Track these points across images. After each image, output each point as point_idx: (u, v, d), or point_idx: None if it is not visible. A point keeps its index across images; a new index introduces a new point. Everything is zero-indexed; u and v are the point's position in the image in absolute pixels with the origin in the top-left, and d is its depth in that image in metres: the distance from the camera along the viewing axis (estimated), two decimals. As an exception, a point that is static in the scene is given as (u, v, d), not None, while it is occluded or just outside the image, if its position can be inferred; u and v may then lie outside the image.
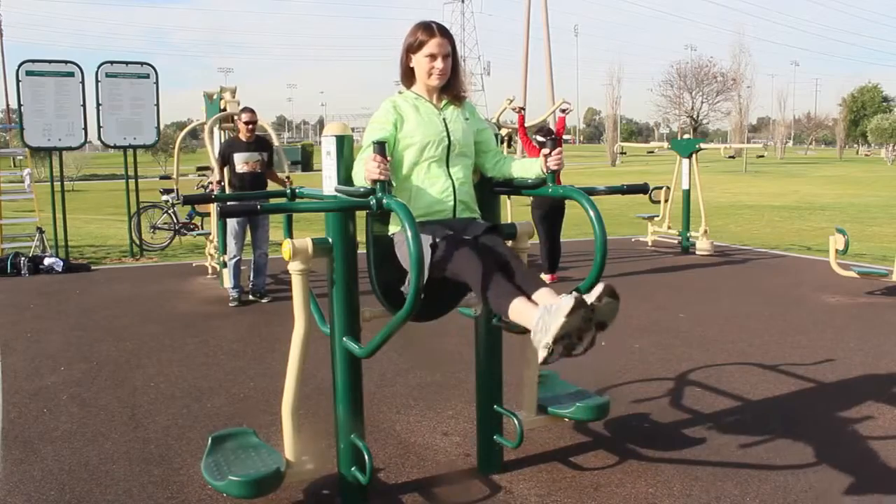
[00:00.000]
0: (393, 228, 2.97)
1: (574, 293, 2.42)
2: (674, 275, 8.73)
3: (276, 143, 8.85)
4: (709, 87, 58.59)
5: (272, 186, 7.08)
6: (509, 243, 3.35)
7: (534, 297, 2.61)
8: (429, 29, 2.89)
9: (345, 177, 2.93)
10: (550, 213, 7.98)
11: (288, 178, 7.18)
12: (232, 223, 6.99)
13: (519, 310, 2.55)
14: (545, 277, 7.95)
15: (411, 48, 2.92)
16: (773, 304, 6.89)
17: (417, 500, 3.14)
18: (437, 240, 2.77)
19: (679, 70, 59.00)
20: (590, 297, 2.43)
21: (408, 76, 3.00)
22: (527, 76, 50.88)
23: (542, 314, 2.44)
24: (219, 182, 7.09)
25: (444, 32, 2.91)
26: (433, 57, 2.89)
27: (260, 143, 7.07)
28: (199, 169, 13.33)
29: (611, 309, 2.48)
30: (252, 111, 7.02)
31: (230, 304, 6.98)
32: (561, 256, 8.19)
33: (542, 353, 2.43)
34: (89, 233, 13.61)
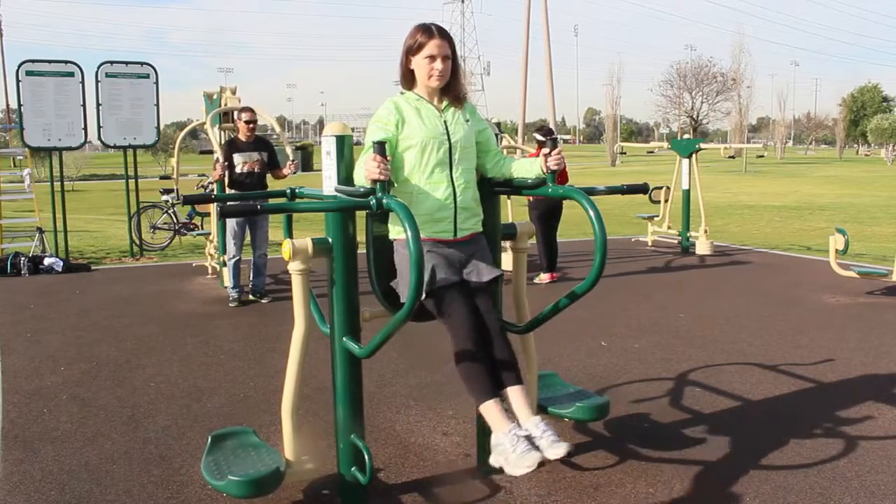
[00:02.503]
0: (393, 233, 2.96)
1: (540, 456, 2.51)
2: (674, 275, 8.73)
3: (282, 138, 8.85)
4: (709, 87, 58.57)
5: (276, 185, 7.05)
6: (509, 243, 3.36)
7: (507, 391, 2.74)
8: (428, 31, 2.89)
9: (345, 177, 2.93)
10: (548, 214, 7.99)
11: (293, 161, 7.10)
12: (231, 223, 6.98)
13: (489, 414, 2.69)
14: (545, 277, 7.96)
15: (411, 50, 2.92)
16: (773, 304, 6.89)
17: (417, 500, 3.14)
18: (437, 279, 2.78)
19: (679, 70, 59.04)
20: (551, 455, 2.54)
21: (408, 78, 2.99)
22: (527, 76, 50.86)
23: (507, 444, 2.58)
24: (220, 176, 7.01)
25: (444, 34, 2.91)
26: (433, 58, 2.88)
27: (260, 143, 7.06)
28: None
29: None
30: (252, 111, 7.02)
31: (230, 305, 6.98)
32: (558, 256, 8.19)
33: (492, 462, 2.66)
34: (89, 233, 13.61)
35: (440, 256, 2.85)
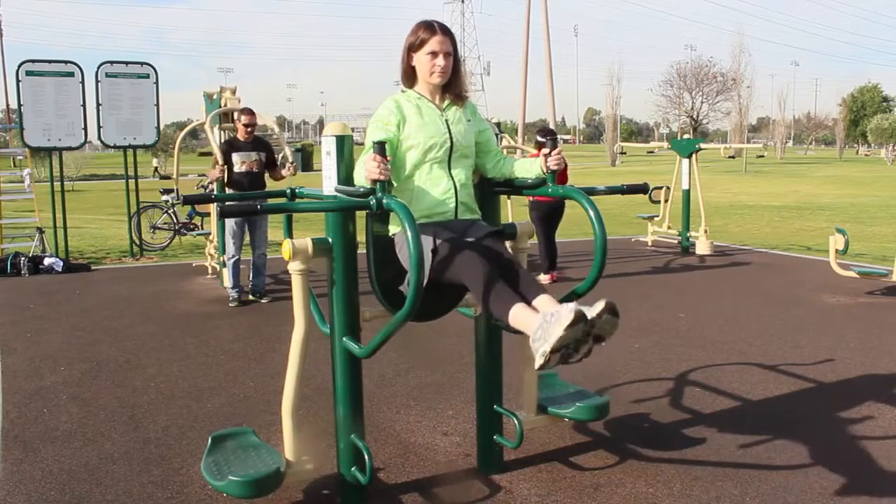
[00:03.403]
0: (393, 229, 2.97)
1: (575, 306, 2.39)
2: (674, 275, 8.73)
3: (283, 143, 8.84)
4: (709, 87, 58.52)
5: (275, 185, 7.06)
6: (509, 243, 3.36)
7: (534, 303, 2.61)
8: (430, 27, 2.89)
9: (345, 177, 2.93)
10: (549, 215, 7.99)
11: (292, 163, 7.15)
12: (230, 223, 6.98)
13: (519, 316, 2.55)
14: (545, 277, 7.96)
15: (412, 47, 2.92)
16: (773, 304, 6.89)
17: (417, 500, 3.14)
18: (438, 242, 2.77)
19: (679, 70, 58.98)
20: (591, 312, 2.41)
21: (409, 76, 2.99)
22: (527, 76, 50.91)
23: (541, 322, 2.44)
24: (218, 177, 7.02)
25: (445, 31, 2.91)
26: (434, 55, 2.89)
27: (258, 143, 7.06)
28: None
29: (610, 325, 2.48)
30: (251, 113, 6.99)
31: (230, 305, 6.98)
32: (558, 256, 8.19)
33: (539, 361, 2.44)
34: (89, 233, 13.61)
35: (440, 227, 2.84)
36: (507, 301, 2.58)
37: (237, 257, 7.05)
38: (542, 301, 2.61)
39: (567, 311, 2.37)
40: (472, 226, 2.94)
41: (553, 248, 8.09)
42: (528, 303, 2.60)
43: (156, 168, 39.08)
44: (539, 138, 7.28)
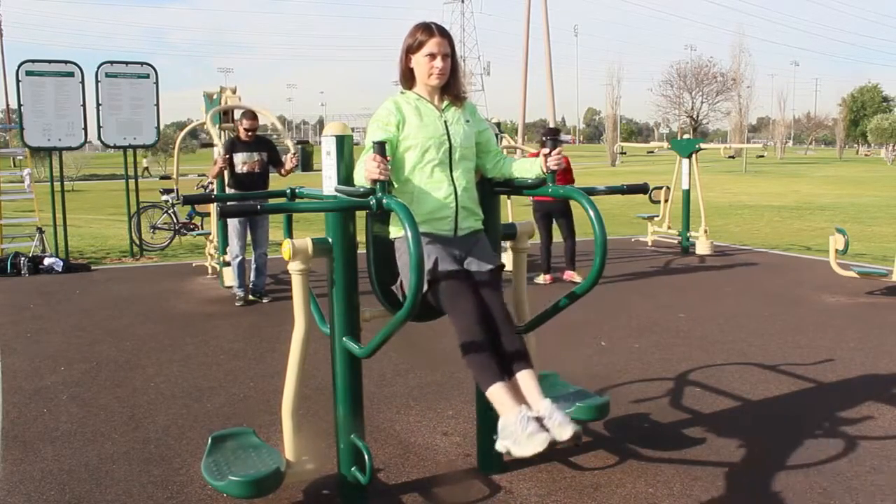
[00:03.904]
0: (394, 232, 2.96)
1: (549, 436, 2.47)
2: (674, 275, 8.73)
3: (283, 138, 8.84)
4: (709, 87, 58.51)
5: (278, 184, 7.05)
6: (509, 243, 3.36)
7: (517, 378, 2.68)
8: (428, 29, 2.89)
9: (345, 177, 2.93)
10: (552, 215, 8.01)
11: (294, 153, 7.13)
12: (233, 223, 6.98)
13: (496, 397, 2.62)
14: (545, 278, 7.95)
15: (411, 49, 2.92)
16: (773, 304, 6.89)
17: (417, 500, 3.14)
18: (438, 270, 2.76)
19: (679, 70, 58.96)
20: (560, 436, 2.50)
21: (407, 78, 2.99)
22: (527, 76, 50.81)
23: (515, 425, 2.52)
24: (220, 170, 7.00)
25: (444, 32, 2.91)
26: (433, 56, 2.88)
27: (260, 143, 7.06)
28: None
29: (571, 443, 2.56)
30: (254, 118, 6.96)
31: (236, 304, 6.98)
32: (575, 255, 8.19)
33: (498, 447, 2.59)
34: (89, 233, 13.61)
35: (441, 247, 2.85)
36: (487, 375, 2.64)
37: (241, 257, 7.04)
38: (524, 382, 2.67)
39: (541, 440, 2.47)
40: (474, 246, 2.93)
41: (571, 247, 8.11)
42: (510, 373, 2.68)
43: (146, 168, 38.99)
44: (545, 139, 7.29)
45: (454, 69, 2.96)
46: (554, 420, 2.54)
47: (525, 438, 2.49)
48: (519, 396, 2.64)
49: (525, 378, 2.68)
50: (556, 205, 7.86)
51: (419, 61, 2.92)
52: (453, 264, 2.83)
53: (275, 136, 9.37)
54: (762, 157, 48.11)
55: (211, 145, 8.07)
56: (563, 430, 2.51)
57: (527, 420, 2.52)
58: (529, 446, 2.48)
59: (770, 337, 5.70)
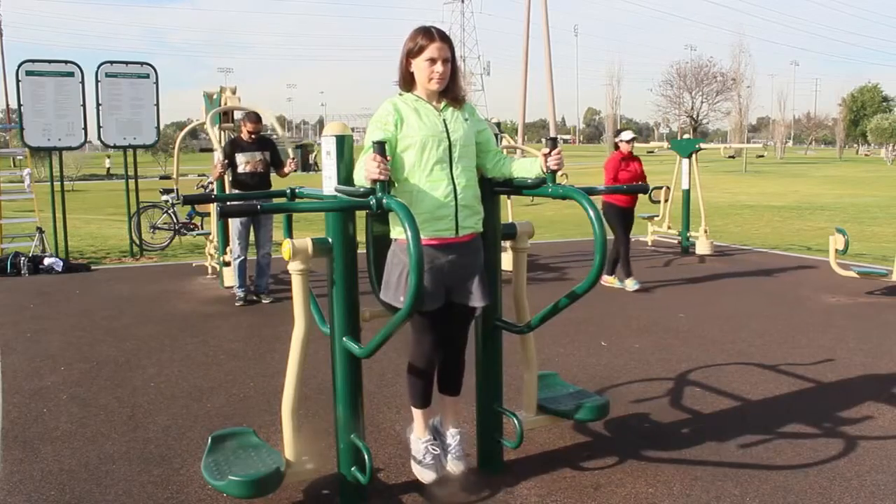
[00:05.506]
0: (394, 233, 2.95)
1: (433, 474, 3.04)
2: (674, 275, 8.73)
3: (286, 144, 8.84)
4: (709, 87, 58.52)
5: (277, 185, 7.05)
6: (509, 243, 3.36)
7: (445, 398, 3.16)
8: (428, 34, 2.89)
9: (345, 177, 2.93)
10: (623, 215, 7.65)
11: (293, 158, 7.15)
12: (235, 223, 6.98)
13: (416, 419, 3.10)
14: (628, 283, 7.65)
15: (411, 53, 2.92)
16: (773, 304, 6.89)
17: (417, 500, 3.14)
18: (426, 303, 2.85)
19: (679, 70, 58.97)
20: (452, 469, 3.08)
21: (407, 81, 2.99)
22: (527, 76, 50.89)
23: (422, 453, 3.06)
24: (220, 175, 7.01)
25: (444, 37, 2.91)
26: (433, 61, 2.88)
27: (262, 143, 7.05)
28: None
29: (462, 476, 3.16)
30: (257, 121, 6.96)
31: (236, 304, 6.98)
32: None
33: (412, 454, 3.13)
34: (89, 233, 13.61)
35: (431, 274, 2.84)
36: (419, 398, 3.05)
37: (243, 257, 7.04)
38: (449, 406, 3.17)
39: (429, 476, 3.05)
40: (465, 275, 2.95)
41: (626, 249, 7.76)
42: (442, 389, 3.14)
43: (107, 168, 38.86)
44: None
45: (454, 73, 2.96)
46: (452, 453, 3.08)
47: (420, 469, 3.05)
48: (438, 410, 3.17)
49: (451, 404, 3.16)
50: (630, 207, 7.62)
51: (419, 65, 2.92)
52: (439, 300, 2.92)
53: (274, 137, 9.38)
54: (762, 157, 48.19)
55: (210, 150, 8.09)
56: (455, 466, 3.06)
57: (426, 450, 3.04)
58: (423, 474, 3.05)
59: (770, 337, 5.70)
